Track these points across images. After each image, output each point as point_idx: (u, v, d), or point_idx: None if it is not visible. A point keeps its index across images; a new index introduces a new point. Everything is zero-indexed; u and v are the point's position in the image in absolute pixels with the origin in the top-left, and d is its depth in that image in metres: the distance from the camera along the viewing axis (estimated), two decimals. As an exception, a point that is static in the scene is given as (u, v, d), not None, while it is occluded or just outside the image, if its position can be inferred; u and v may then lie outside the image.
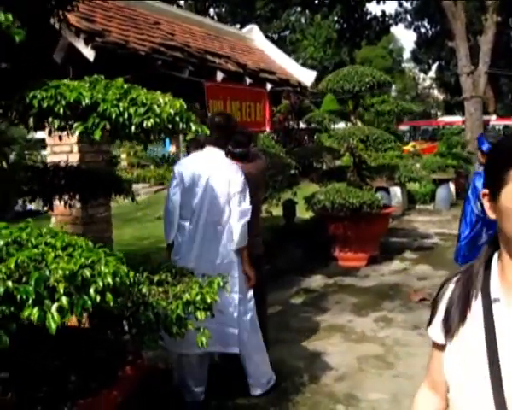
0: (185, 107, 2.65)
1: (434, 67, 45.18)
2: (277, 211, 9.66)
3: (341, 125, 20.32)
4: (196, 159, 4.28)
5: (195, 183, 4.11)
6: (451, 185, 15.73)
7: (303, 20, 34.54)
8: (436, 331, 1.52)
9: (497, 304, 1.37)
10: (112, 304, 1.98)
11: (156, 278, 3.07)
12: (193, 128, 2.66)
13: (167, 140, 23.26)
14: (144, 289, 2.89)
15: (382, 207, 9.04)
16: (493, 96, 33.46)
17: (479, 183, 4.48)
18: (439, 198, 15.03)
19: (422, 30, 40.88)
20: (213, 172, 4.14)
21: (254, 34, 7.23)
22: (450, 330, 1.46)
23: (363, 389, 4.51)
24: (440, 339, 1.50)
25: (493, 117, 30.42)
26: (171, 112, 2.50)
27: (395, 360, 5.04)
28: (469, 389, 1.38)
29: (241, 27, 10.40)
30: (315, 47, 33.81)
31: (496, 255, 1.43)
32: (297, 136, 16.12)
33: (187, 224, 4.16)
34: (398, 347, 5.34)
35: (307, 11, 33.35)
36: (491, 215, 1.38)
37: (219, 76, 5.36)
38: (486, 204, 1.39)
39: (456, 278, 1.51)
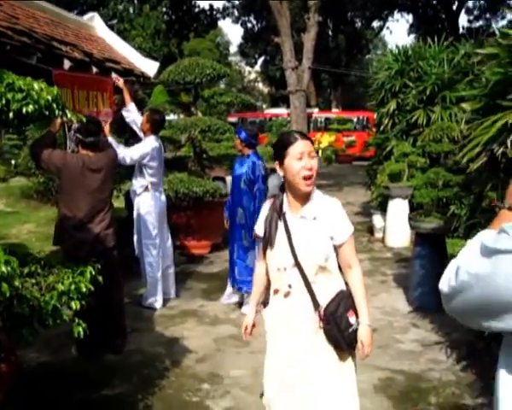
0: (60, 94, 2.61)
1: (260, 61, 46.96)
2: (119, 202, 9.53)
3: (172, 116, 20.21)
4: (155, 140, 6.29)
5: (159, 153, 6.35)
6: (281, 173, 16.53)
7: (131, 10, 33.99)
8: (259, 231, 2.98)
9: (287, 215, 2.80)
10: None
11: (26, 271, 2.99)
12: (68, 115, 2.63)
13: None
14: (17, 282, 2.80)
15: (224, 195, 9.32)
16: (315, 90, 35.62)
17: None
18: (272, 186, 15.66)
19: (249, 25, 42.28)
20: (161, 147, 6.50)
21: (96, 22, 7.04)
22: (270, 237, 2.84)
23: (225, 368, 4.72)
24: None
25: (316, 110, 32.37)
26: (49, 98, 2.46)
27: (250, 339, 5.29)
28: (276, 262, 2.82)
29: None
30: (143, 37, 33.32)
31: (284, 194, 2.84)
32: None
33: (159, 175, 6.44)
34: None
35: (135, 1, 32.93)
36: (281, 173, 2.77)
37: (67, 64, 5.19)
38: (279, 169, 2.77)
39: (268, 205, 2.92)
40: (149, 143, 6.17)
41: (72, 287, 2.92)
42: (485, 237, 1.26)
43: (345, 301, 2.75)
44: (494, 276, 1.18)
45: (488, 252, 1.21)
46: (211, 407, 4.12)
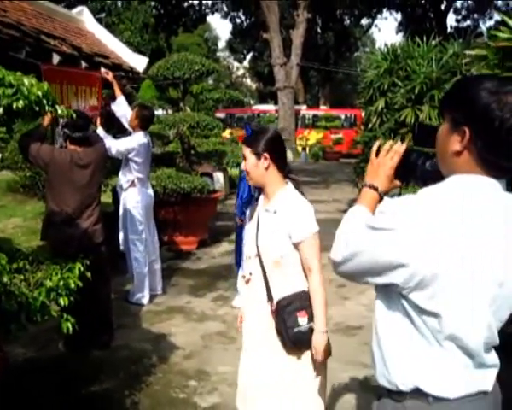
0: (50, 89, 2.60)
1: (249, 57, 46.90)
2: (105, 197, 9.48)
3: (160, 111, 20.05)
4: (143, 136, 6.26)
5: (147, 149, 6.40)
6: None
7: (119, 4, 33.77)
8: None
9: (261, 209, 2.91)
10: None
11: (14, 266, 2.98)
12: (59, 111, 2.62)
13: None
14: (5, 279, 2.79)
15: (211, 191, 9.34)
16: (303, 87, 35.65)
17: None
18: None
19: (238, 20, 42.22)
20: (149, 143, 6.54)
21: (85, 16, 7.01)
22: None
23: (212, 364, 4.73)
24: None
25: (304, 107, 32.40)
26: (40, 94, 2.45)
27: (237, 335, 5.28)
28: (246, 250, 3.04)
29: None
30: (132, 32, 33.17)
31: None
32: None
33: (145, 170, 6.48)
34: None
35: (124, -6, 32.71)
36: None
37: (56, 59, 5.18)
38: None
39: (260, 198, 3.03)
40: (137, 139, 6.16)
41: (61, 283, 2.91)
42: (368, 216, 1.70)
43: (301, 301, 2.75)
44: (374, 246, 1.58)
45: (370, 228, 1.60)
46: (198, 403, 4.13)
